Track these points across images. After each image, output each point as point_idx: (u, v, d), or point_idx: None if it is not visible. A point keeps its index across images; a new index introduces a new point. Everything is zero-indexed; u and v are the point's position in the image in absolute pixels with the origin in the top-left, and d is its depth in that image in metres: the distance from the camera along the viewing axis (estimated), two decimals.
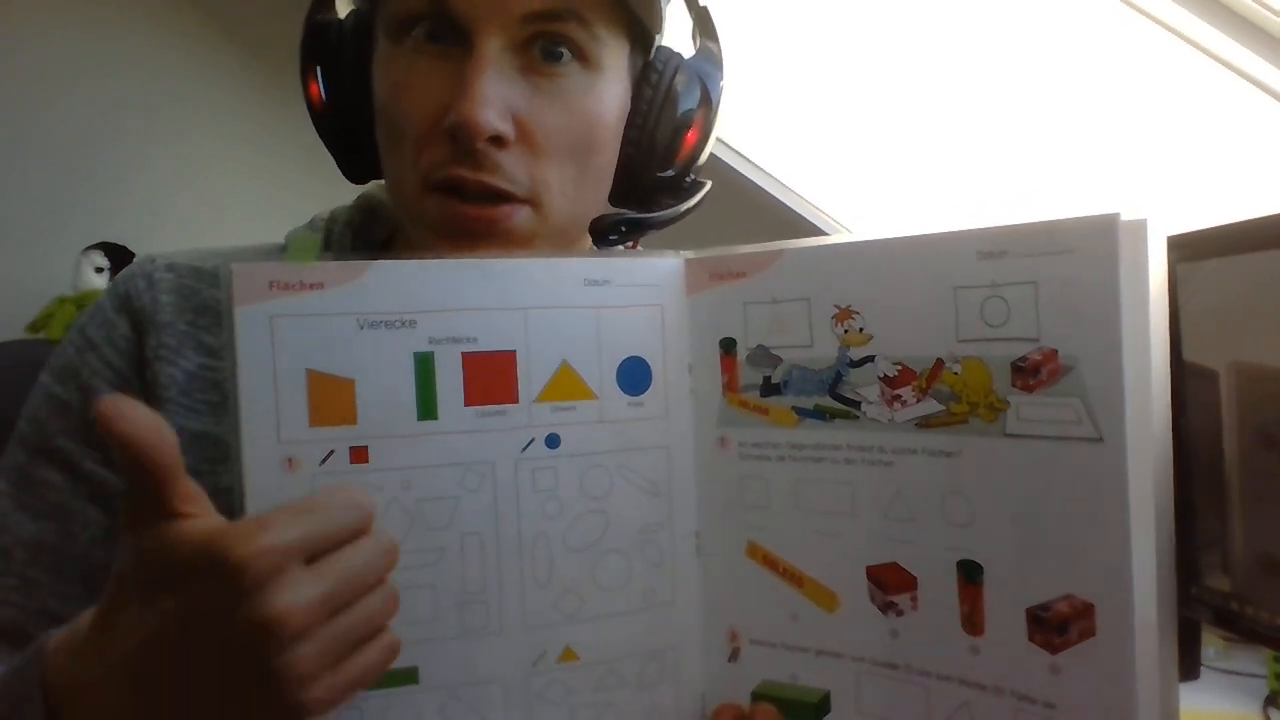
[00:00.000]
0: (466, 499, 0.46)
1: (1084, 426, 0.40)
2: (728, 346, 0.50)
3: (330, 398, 0.43)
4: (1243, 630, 0.45)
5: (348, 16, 0.61)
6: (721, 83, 0.63)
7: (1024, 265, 0.42)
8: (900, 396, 0.46)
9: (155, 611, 0.38)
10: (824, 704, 0.49)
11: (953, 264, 0.44)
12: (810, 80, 1.51)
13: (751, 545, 0.50)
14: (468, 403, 0.46)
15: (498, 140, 0.53)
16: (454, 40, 0.54)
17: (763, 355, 0.50)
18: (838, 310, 0.47)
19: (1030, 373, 0.42)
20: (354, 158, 0.62)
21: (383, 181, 0.64)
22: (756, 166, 1.62)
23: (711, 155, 0.64)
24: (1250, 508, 0.44)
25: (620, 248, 0.66)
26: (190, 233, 2.12)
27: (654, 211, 0.63)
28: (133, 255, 2.04)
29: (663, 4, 0.60)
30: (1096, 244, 0.40)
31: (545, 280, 0.48)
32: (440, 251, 0.55)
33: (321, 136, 0.62)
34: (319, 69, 0.60)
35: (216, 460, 0.51)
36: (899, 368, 0.46)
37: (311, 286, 0.43)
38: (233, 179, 2.25)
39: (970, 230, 0.43)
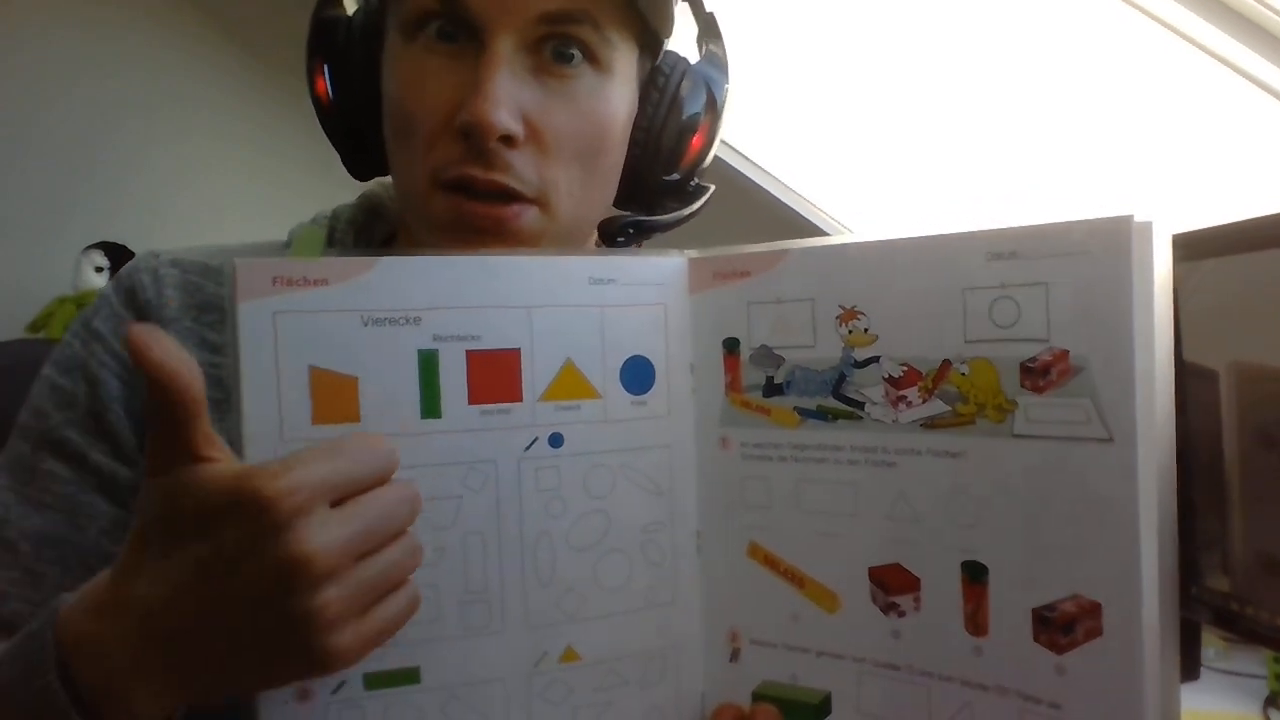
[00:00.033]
0: (469, 498, 0.46)
1: (1094, 427, 0.41)
2: (731, 346, 0.50)
3: (333, 395, 0.43)
4: (1243, 631, 0.45)
5: (356, 13, 0.61)
6: (726, 87, 0.64)
7: (1035, 266, 0.42)
8: (905, 397, 0.46)
9: (178, 560, 0.38)
10: (825, 705, 0.49)
11: (961, 265, 0.44)
12: (812, 82, 1.51)
13: (753, 545, 0.50)
14: (471, 401, 0.46)
15: (508, 140, 0.53)
16: (466, 39, 0.54)
17: (766, 355, 0.50)
18: (842, 311, 0.47)
19: (1040, 373, 0.42)
20: (359, 155, 0.62)
21: (384, 180, 0.64)
22: (759, 168, 1.62)
23: (715, 156, 0.65)
24: (1250, 508, 0.44)
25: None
26: (190, 232, 2.12)
27: (658, 214, 0.63)
28: (133, 255, 2.03)
29: (673, 9, 0.60)
30: (1110, 246, 0.40)
31: (550, 278, 0.48)
32: (446, 250, 0.55)
33: (327, 133, 0.62)
34: (326, 65, 0.60)
35: None
36: (904, 368, 0.46)
37: (315, 282, 0.43)
38: (233, 179, 2.24)
39: (980, 232, 0.44)
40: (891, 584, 0.47)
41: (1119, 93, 1.25)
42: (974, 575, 0.44)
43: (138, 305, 0.61)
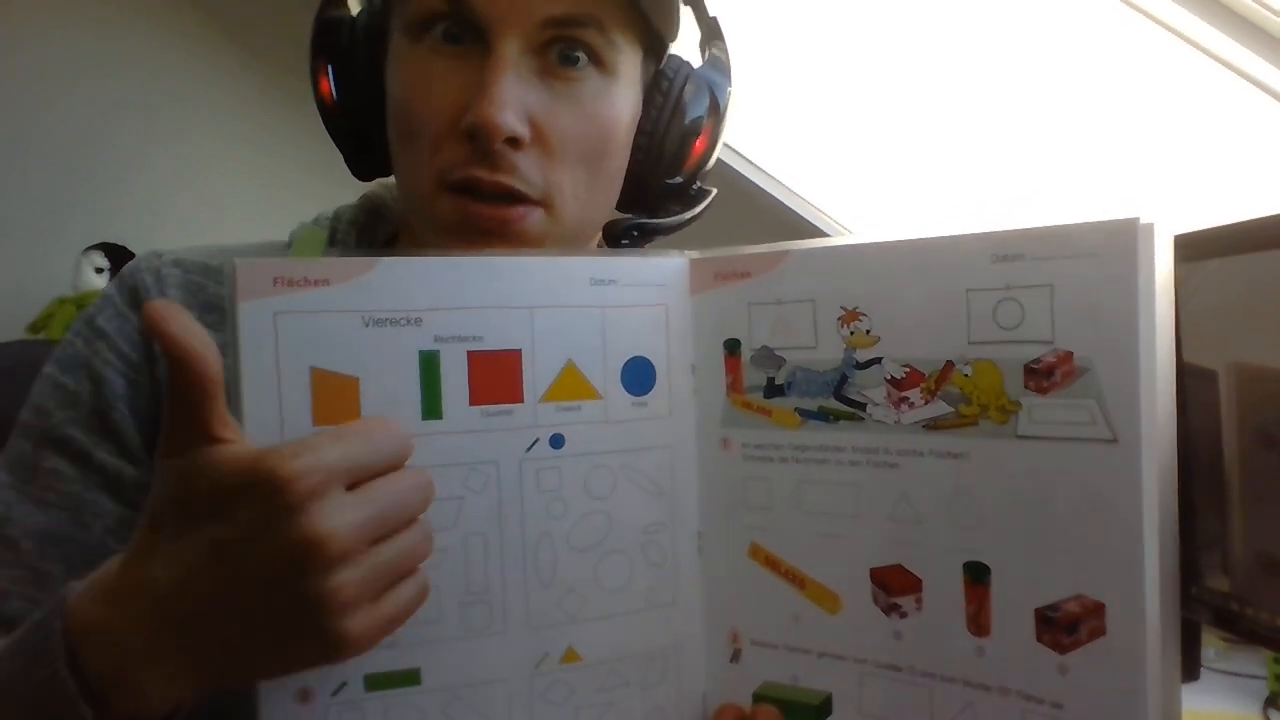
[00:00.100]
0: (471, 499, 0.46)
1: (1098, 428, 0.41)
2: (732, 347, 0.50)
3: (334, 396, 0.43)
4: (1243, 631, 0.45)
5: (360, 13, 0.61)
6: (729, 90, 0.64)
7: (1040, 268, 0.42)
8: (907, 399, 0.46)
9: (193, 541, 0.38)
10: (825, 705, 0.49)
11: (965, 266, 0.44)
12: (815, 85, 1.51)
13: (754, 546, 0.50)
14: (473, 402, 0.46)
15: (514, 142, 0.53)
16: (472, 41, 0.54)
17: (767, 356, 0.50)
18: (844, 312, 0.47)
19: (1044, 375, 0.42)
20: (363, 155, 0.62)
21: (386, 180, 0.64)
22: (762, 170, 1.62)
23: (717, 159, 0.65)
24: (1250, 508, 0.44)
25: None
26: (190, 233, 2.11)
27: (661, 217, 0.64)
28: (133, 256, 2.03)
29: (677, 12, 0.61)
30: (1116, 248, 0.40)
31: (551, 279, 0.48)
32: (449, 250, 0.55)
33: (331, 133, 0.62)
34: (330, 66, 0.60)
35: None
36: (907, 370, 0.46)
37: (316, 283, 0.43)
38: (233, 179, 2.24)
39: (984, 233, 0.44)
40: (893, 585, 0.47)
41: (1121, 94, 1.25)
42: (976, 576, 0.44)
43: (140, 304, 0.60)
